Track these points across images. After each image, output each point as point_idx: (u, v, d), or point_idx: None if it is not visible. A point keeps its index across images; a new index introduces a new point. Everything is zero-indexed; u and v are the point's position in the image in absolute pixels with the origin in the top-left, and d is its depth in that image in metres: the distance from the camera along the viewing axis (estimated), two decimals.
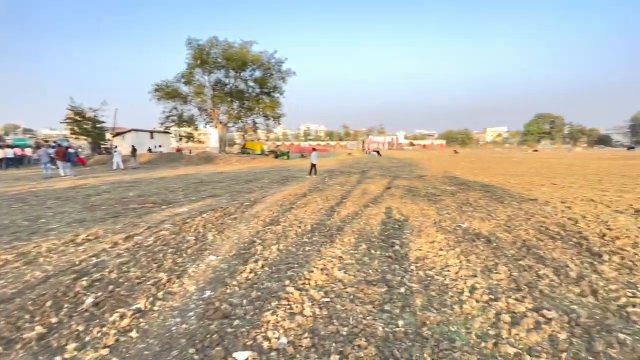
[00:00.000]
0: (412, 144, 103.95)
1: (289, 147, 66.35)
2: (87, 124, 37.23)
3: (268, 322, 2.55)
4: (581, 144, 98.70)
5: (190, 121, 36.13)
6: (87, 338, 2.33)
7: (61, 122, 40.32)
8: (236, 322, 2.54)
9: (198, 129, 40.15)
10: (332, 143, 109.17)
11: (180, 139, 40.70)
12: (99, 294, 3.02)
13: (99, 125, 38.49)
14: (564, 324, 2.51)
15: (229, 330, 2.43)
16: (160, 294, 3.04)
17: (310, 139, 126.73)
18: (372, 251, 4.31)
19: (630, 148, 61.84)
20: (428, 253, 4.23)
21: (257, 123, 39.14)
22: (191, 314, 2.70)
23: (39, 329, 2.44)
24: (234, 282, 3.30)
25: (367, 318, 2.62)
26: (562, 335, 2.36)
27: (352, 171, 17.46)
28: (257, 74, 34.82)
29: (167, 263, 3.84)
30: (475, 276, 3.46)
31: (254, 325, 2.51)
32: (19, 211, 7.09)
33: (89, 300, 2.89)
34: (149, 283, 3.27)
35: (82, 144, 43.71)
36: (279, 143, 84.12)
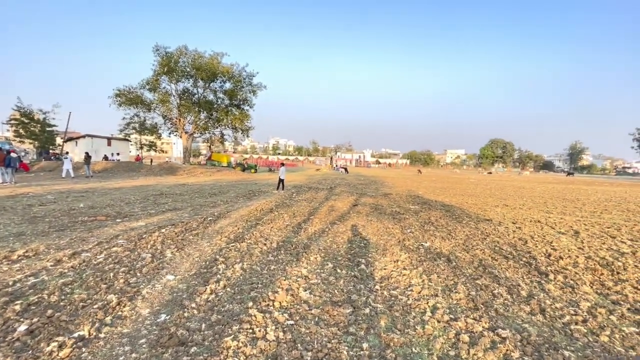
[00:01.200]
0: (378, 162, 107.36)
1: (257, 161, 65.50)
2: (34, 127, 34.22)
3: (228, 348, 2.41)
4: (529, 168, 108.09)
5: (153, 129, 34.64)
6: None
7: (4, 123, 36.77)
8: (193, 349, 2.38)
9: (161, 137, 38.51)
10: (301, 158, 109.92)
11: (141, 148, 38.74)
12: (35, 319, 2.69)
13: (48, 129, 35.53)
14: (517, 342, 2.63)
15: (185, 358, 2.26)
16: (108, 319, 2.78)
17: (279, 153, 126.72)
18: (338, 270, 4.30)
19: (569, 174, 68.72)
20: (392, 272, 4.30)
21: (224, 135, 38.43)
22: (143, 341, 2.48)
23: None
24: (193, 305, 3.10)
25: (332, 341, 2.57)
26: (515, 354, 2.47)
27: (320, 187, 17.53)
28: (227, 85, 34.41)
29: (119, 283, 3.54)
30: (437, 295, 3.56)
31: (212, 352, 2.36)
32: None
33: (22, 327, 2.56)
34: (95, 306, 2.98)
35: (26, 148, 40.01)
36: (246, 156, 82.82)
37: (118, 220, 6.95)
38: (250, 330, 2.67)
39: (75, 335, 2.50)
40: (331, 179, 25.87)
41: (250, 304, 3.15)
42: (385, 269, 4.45)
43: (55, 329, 2.58)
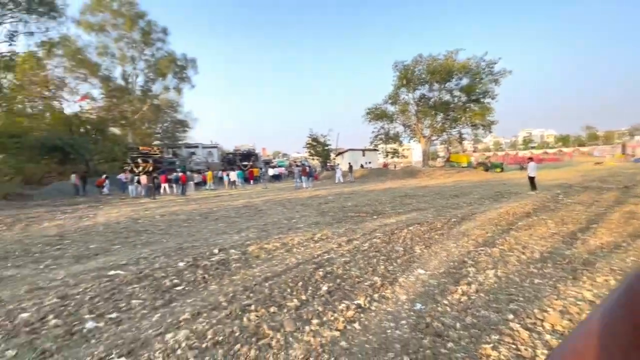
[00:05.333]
0: None
1: (502, 158, 57.39)
2: (319, 147, 47.54)
3: (487, 356, 2.25)
4: None
5: (396, 138, 38.59)
6: (325, 318, 2.91)
7: (303, 147, 53.62)
8: (450, 344, 2.41)
9: (402, 144, 42.25)
10: (567, 150, 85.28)
11: (387, 155, 44.11)
12: (330, 284, 3.70)
13: (326, 147, 48.17)
14: None
15: (443, 350, 2.33)
16: (375, 296, 3.36)
17: (533, 147, 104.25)
18: None
19: None
20: None
21: (463, 134, 36.65)
22: (403, 322, 2.81)
23: (295, 301, 3.28)
24: (445, 302, 3.15)
25: None
26: None
27: (604, 186, 12.76)
28: (464, 81, 32.72)
29: (380, 269, 4.20)
30: None
31: (470, 354, 2.29)
32: (281, 213, 9.91)
33: (324, 288, 3.60)
34: (366, 284, 3.69)
35: (314, 163, 56.00)
36: (489, 154, 74.50)
37: (374, 217, 8.26)
38: (514, 346, 2.35)
39: (355, 302, 3.21)
40: (626, 175, 18.12)
41: (511, 316, 2.79)
42: None
43: (342, 294, 3.44)
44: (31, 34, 22.54)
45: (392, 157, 46.20)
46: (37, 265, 4.97)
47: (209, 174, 25.12)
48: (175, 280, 3.98)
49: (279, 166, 41.40)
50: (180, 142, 45.88)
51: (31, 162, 21.36)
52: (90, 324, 2.90)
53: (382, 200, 11.62)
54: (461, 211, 8.47)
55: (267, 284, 3.75)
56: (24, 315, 3.11)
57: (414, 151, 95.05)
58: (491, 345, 2.36)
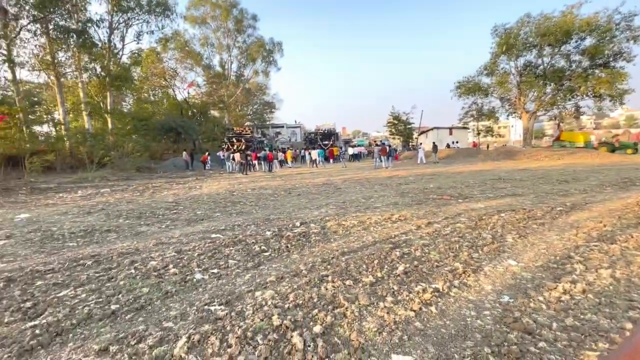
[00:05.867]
0: None
1: (638, 137, 45.94)
2: (401, 126, 45.49)
3: None
4: None
5: (491, 114, 34.24)
6: (399, 297, 2.90)
7: (384, 126, 52.01)
8: (542, 344, 2.16)
9: (498, 121, 37.33)
10: None
11: (479, 134, 39.70)
12: (407, 265, 3.64)
13: (408, 126, 45.80)
14: None
15: (532, 349, 2.11)
16: (456, 282, 3.18)
17: None
18: None
19: None
20: None
21: (581, 107, 30.31)
22: (487, 312, 2.61)
23: (370, 277, 3.34)
24: (540, 298, 2.80)
25: None
26: None
27: None
28: (587, 42, 26.54)
29: (463, 255, 3.93)
30: None
31: (567, 358, 2.02)
32: (359, 192, 9.98)
33: (400, 268, 3.56)
34: (445, 269, 3.52)
35: (395, 143, 53.95)
36: (618, 131, 60.46)
37: (460, 200, 7.66)
38: None
39: (433, 286, 3.10)
40: None
41: (629, 325, 2.33)
42: None
43: (419, 276, 3.36)
44: (152, 32, 26.66)
45: (485, 136, 41.38)
46: (160, 225, 6.13)
47: (288, 153, 26.63)
48: (263, 247, 4.44)
49: (359, 145, 41.21)
50: (267, 123, 49.39)
51: (154, 141, 25.95)
52: (198, 276, 3.50)
53: (470, 184, 10.64)
54: (571, 199, 7.20)
55: (343, 259, 3.90)
56: (153, 262, 3.91)
57: (512, 129, 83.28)
58: (597, 353, 2.03)
